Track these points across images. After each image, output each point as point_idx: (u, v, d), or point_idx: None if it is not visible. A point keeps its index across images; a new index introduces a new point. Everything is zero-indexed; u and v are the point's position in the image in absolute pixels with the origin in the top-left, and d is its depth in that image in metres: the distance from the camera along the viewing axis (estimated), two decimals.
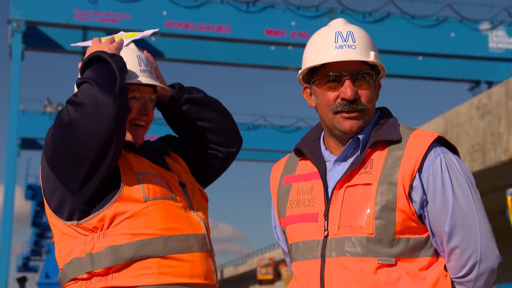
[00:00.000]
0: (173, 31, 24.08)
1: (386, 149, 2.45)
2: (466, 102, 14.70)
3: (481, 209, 2.43)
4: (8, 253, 23.52)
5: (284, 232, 2.64)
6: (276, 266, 38.04)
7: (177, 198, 2.63)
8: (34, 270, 49.44)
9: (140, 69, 2.68)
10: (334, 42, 2.49)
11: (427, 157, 2.43)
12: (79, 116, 2.40)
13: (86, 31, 25.08)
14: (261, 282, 38.79)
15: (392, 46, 24.77)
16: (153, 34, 2.78)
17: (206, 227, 2.68)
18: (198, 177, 2.86)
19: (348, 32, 2.50)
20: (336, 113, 2.49)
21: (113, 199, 2.51)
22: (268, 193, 2.79)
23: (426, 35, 25.33)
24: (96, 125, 2.40)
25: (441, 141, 2.49)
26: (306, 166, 2.60)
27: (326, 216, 2.45)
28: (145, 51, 2.82)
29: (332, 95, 2.49)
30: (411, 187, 2.40)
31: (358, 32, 2.52)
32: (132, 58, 2.69)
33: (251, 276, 44.47)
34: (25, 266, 50.34)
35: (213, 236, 2.78)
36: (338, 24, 2.54)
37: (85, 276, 2.51)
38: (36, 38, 24.94)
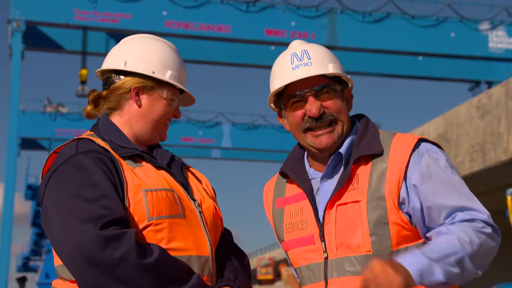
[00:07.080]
0: (173, 31, 24.06)
1: (370, 163, 2.46)
2: (466, 102, 14.71)
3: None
4: (8, 253, 23.49)
5: (287, 255, 2.66)
6: (276, 266, 38.07)
7: (186, 215, 2.53)
8: (34, 270, 49.44)
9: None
10: (290, 64, 2.54)
11: (411, 161, 2.42)
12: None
13: (86, 31, 25.09)
14: (261, 282, 38.80)
15: (392, 46, 24.75)
16: None
17: (212, 249, 2.56)
18: None
19: (303, 51, 2.55)
20: (305, 131, 2.53)
21: None
22: None
23: (426, 35, 25.30)
24: None
25: (423, 140, 2.49)
26: (294, 187, 2.62)
27: (322, 237, 2.47)
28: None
29: (299, 113, 2.53)
30: (399, 198, 2.40)
31: (313, 49, 2.56)
32: (182, 63, 2.80)
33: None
34: (25, 266, 50.33)
35: None
36: (294, 46, 2.60)
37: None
38: (36, 38, 24.93)
